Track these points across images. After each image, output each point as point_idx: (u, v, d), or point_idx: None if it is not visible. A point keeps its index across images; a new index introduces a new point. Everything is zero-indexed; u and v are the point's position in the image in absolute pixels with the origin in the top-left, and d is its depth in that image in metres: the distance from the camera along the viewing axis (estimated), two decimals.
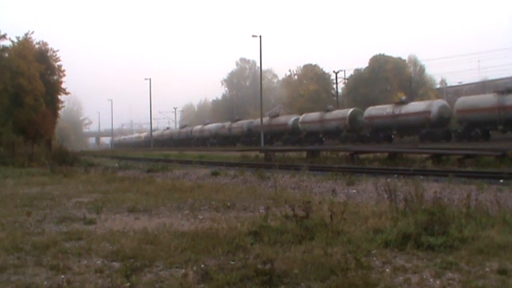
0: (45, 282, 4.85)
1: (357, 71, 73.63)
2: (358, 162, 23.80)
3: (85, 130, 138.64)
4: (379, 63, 70.06)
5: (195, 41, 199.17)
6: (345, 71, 71.65)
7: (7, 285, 4.81)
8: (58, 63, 45.51)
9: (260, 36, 51.15)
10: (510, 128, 33.43)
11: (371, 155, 25.77)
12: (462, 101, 36.84)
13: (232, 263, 5.35)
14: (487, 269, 4.86)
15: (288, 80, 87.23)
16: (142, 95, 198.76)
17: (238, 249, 5.86)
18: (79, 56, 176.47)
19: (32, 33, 42.82)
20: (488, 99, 34.56)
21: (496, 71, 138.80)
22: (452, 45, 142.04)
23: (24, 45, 41.19)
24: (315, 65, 79.60)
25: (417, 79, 71.84)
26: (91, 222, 8.22)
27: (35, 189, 14.10)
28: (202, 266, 5.24)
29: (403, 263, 5.16)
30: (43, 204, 10.78)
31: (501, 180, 13.08)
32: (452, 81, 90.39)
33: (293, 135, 52.33)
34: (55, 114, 45.78)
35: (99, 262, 5.57)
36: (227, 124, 66.17)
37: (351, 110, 47.37)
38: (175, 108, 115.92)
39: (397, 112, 40.80)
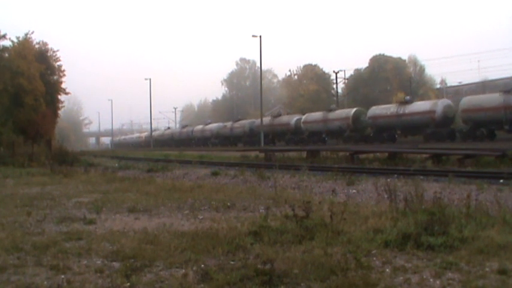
0: (45, 282, 4.85)
1: (357, 71, 73.65)
2: (358, 162, 23.80)
3: (85, 130, 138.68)
4: (379, 63, 70.06)
5: (195, 41, 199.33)
6: (345, 71, 71.74)
7: (7, 285, 4.81)
8: (58, 63, 45.59)
9: (260, 36, 51.21)
10: None
11: (371, 155, 25.77)
12: (467, 101, 36.50)
13: (232, 263, 5.35)
14: (487, 269, 4.86)
15: (288, 80, 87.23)
16: (142, 95, 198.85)
17: (238, 249, 5.86)
18: (79, 56, 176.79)
19: (32, 33, 42.89)
20: (493, 98, 34.26)
21: (496, 71, 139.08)
22: (452, 45, 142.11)
23: (24, 45, 41.19)
24: (315, 65, 79.60)
25: (417, 79, 71.84)
26: (91, 222, 8.22)
27: (35, 189, 14.10)
28: (202, 266, 5.24)
29: (403, 263, 5.16)
30: (43, 204, 10.78)
31: (501, 180, 13.07)
32: (452, 81, 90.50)
33: (295, 135, 51.99)
34: (55, 114, 45.78)
35: (99, 262, 5.57)
36: (229, 124, 65.95)
37: (354, 109, 46.97)
38: (175, 108, 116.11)
39: (401, 112, 40.52)
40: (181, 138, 78.52)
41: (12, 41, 41.06)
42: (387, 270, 4.97)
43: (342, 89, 74.40)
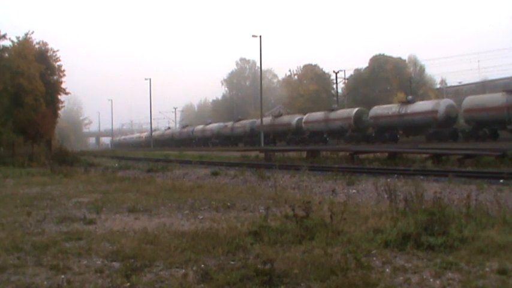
0: (45, 282, 4.85)
1: (357, 71, 73.71)
2: (358, 162, 23.79)
3: (85, 130, 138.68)
4: (379, 63, 70.11)
5: (195, 41, 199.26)
6: (345, 71, 71.82)
7: (7, 285, 4.81)
8: (58, 63, 45.58)
9: (260, 36, 51.24)
10: None
11: (371, 155, 25.77)
12: (470, 100, 36.27)
13: (232, 263, 5.35)
14: (487, 269, 4.86)
15: (288, 80, 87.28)
16: (142, 95, 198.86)
17: (238, 249, 5.86)
18: (79, 56, 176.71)
19: (32, 33, 42.88)
20: (496, 98, 34.07)
21: (496, 71, 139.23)
22: (452, 45, 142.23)
23: (24, 45, 41.18)
24: (315, 65, 79.69)
25: (417, 79, 71.89)
26: (91, 222, 8.22)
27: (35, 189, 14.10)
28: (202, 266, 5.24)
29: (403, 263, 5.16)
30: (43, 204, 10.78)
31: (501, 180, 13.07)
32: (452, 81, 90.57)
33: (297, 135, 51.81)
34: (55, 114, 45.77)
35: (99, 262, 5.57)
36: (229, 124, 65.82)
37: (356, 109, 46.77)
38: (175, 108, 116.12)
39: (403, 111, 40.32)
40: (181, 138, 78.43)
41: (12, 41, 41.13)
42: (387, 270, 4.97)
43: (342, 89, 74.48)
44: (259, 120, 54.43)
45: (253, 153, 33.51)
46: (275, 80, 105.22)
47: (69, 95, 52.99)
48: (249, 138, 58.23)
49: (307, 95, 72.85)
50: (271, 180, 14.71)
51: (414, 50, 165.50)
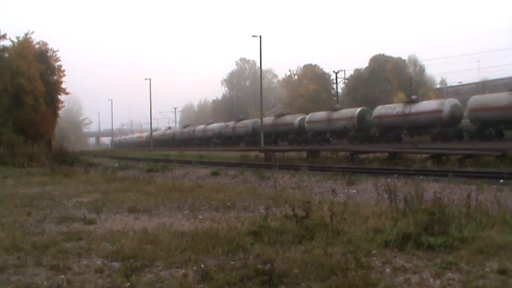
0: (45, 282, 4.85)
1: (357, 71, 73.69)
2: (358, 162, 23.79)
3: (85, 130, 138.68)
4: (379, 63, 70.10)
5: (195, 41, 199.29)
6: (345, 71, 71.80)
7: (7, 285, 4.81)
8: (58, 63, 45.58)
9: (260, 36, 51.22)
10: None
11: (371, 155, 25.77)
12: (475, 100, 36.02)
13: (232, 263, 5.35)
14: (487, 269, 4.86)
15: (288, 80, 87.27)
16: (142, 95, 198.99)
17: (238, 249, 5.86)
18: (79, 56, 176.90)
19: (32, 33, 42.87)
20: (502, 98, 33.86)
21: (496, 71, 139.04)
22: (452, 45, 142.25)
23: (24, 45, 41.18)
24: (315, 65, 79.65)
25: (417, 79, 71.87)
26: (91, 222, 8.22)
27: (35, 189, 14.10)
28: (202, 266, 5.24)
29: (403, 263, 5.16)
30: (43, 204, 10.78)
31: (501, 180, 13.07)
32: (452, 81, 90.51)
33: (299, 135, 51.47)
34: (55, 114, 45.78)
35: (99, 262, 5.57)
36: (231, 124, 65.57)
37: (359, 109, 46.34)
38: (175, 108, 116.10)
39: (407, 111, 40.03)
40: (182, 138, 78.21)
41: (12, 41, 41.13)
42: (387, 270, 4.97)
43: (342, 89, 74.46)
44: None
45: (253, 153, 33.51)
46: (275, 80, 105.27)
47: (69, 95, 53.02)
48: (251, 138, 57.87)
49: (307, 95, 72.81)
50: (271, 180, 14.71)
51: (414, 50, 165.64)
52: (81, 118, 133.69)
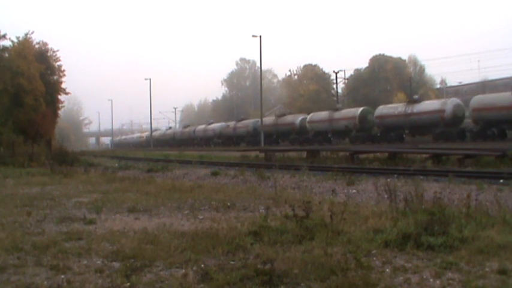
0: (45, 282, 4.85)
1: (357, 71, 73.70)
2: (358, 162, 23.79)
3: (85, 130, 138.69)
4: (379, 63, 70.11)
5: (195, 41, 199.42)
6: (345, 71, 71.79)
7: (7, 285, 4.81)
8: (58, 63, 45.62)
9: (260, 36, 51.27)
10: None
11: (371, 155, 25.77)
12: (478, 100, 35.81)
13: (232, 263, 5.35)
14: (487, 269, 4.86)
15: (288, 80, 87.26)
16: (142, 95, 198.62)
17: (238, 249, 5.86)
18: (79, 56, 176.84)
19: (32, 33, 42.91)
20: (506, 97, 33.67)
21: (496, 71, 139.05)
22: (452, 45, 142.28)
23: (24, 45, 41.19)
24: (315, 65, 79.65)
25: (417, 79, 71.87)
26: (91, 222, 8.22)
27: (35, 189, 14.10)
28: (202, 266, 5.24)
29: (403, 263, 5.16)
30: (43, 204, 10.78)
31: (501, 180, 13.07)
32: (452, 81, 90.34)
33: (300, 135, 51.24)
34: (55, 114, 45.79)
35: (99, 262, 5.57)
36: (232, 124, 65.37)
37: (361, 108, 46.06)
38: (175, 108, 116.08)
39: (409, 111, 39.82)
40: (183, 138, 78.03)
41: (12, 41, 41.15)
42: (387, 270, 4.97)
43: (342, 89, 74.45)
44: (262, 120, 54.12)
45: (253, 153, 33.51)
46: (275, 80, 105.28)
47: (69, 95, 53.01)
48: (252, 138, 57.57)
49: (307, 95, 72.80)
50: (271, 180, 14.71)
51: (414, 50, 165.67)
52: (81, 118, 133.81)
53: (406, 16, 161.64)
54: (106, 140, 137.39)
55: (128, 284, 4.70)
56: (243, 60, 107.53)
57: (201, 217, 8.56)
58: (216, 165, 24.71)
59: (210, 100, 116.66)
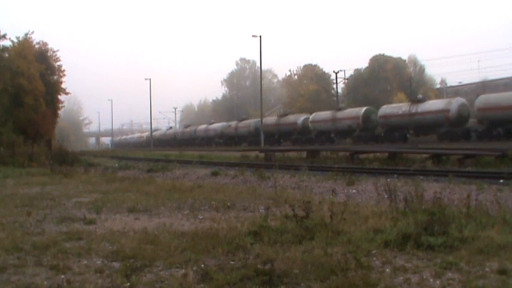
0: (45, 282, 4.85)
1: (357, 71, 73.64)
2: (358, 162, 23.80)
3: (85, 130, 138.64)
4: (379, 63, 70.07)
5: (195, 41, 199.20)
6: (345, 71, 71.73)
7: (7, 285, 4.81)
8: (58, 63, 45.55)
9: (260, 36, 51.16)
10: None
11: (371, 155, 25.77)
12: (484, 99, 35.45)
13: (232, 263, 5.35)
14: (487, 269, 4.86)
15: (288, 80, 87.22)
16: (142, 95, 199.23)
17: (238, 249, 5.86)
18: (79, 56, 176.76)
19: (32, 33, 42.82)
20: (511, 97, 33.46)
21: (496, 71, 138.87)
22: (452, 45, 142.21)
23: (24, 45, 41.16)
24: (315, 65, 79.58)
25: (417, 79, 71.84)
26: (91, 222, 8.22)
27: (35, 189, 14.10)
28: (202, 266, 5.24)
29: (403, 263, 5.16)
30: (43, 204, 10.79)
31: (501, 180, 13.07)
32: (452, 81, 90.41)
33: (303, 135, 50.90)
34: (55, 114, 45.76)
35: (99, 262, 5.57)
36: (233, 123, 65.11)
37: (364, 108, 45.71)
38: (175, 108, 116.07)
39: (413, 111, 39.49)
40: (183, 138, 77.75)
41: (12, 41, 41.07)
42: (387, 270, 4.97)
43: (342, 89, 74.43)
44: (264, 120, 53.94)
45: (253, 153, 33.51)
46: (275, 80, 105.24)
47: (69, 95, 52.96)
48: (254, 138, 57.00)
49: (307, 95, 72.75)
50: (271, 180, 14.71)
51: (414, 50, 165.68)
52: (81, 118, 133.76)
53: (406, 16, 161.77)
54: (106, 140, 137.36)
55: (128, 284, 4.70)
56: (243, 60, 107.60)
57: (201, 217, 8.56)
58: (216, 165, 24.71)
59: (210, 100, 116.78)
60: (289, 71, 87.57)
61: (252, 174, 17.51)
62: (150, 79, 78.03)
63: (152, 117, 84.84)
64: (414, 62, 75.01)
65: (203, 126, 73.32)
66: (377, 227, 6.56)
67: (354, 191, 12.36)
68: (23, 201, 11.19)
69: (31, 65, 40.05)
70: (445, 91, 71.05)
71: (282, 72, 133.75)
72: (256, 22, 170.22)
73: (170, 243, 6.21)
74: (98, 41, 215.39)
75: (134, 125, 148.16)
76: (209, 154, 39.96)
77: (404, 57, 73.98)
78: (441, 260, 5.15)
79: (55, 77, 45.43)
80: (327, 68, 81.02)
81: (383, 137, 41.73)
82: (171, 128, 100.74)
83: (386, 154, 24.77)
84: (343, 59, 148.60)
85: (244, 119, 64.68)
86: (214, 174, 19.08)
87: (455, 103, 37.80)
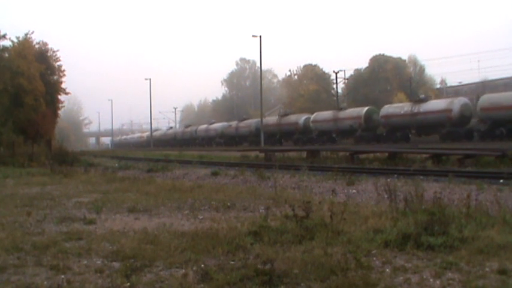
0: (45, 282, 4.85)
1: (357, 71, 73.62)
2: (358, 162, 23.79)
3: (85, 130, 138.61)
4: (379, 63, 70.05)
5: (195, 41, 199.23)
6: (345, 71, 71.64)
7: (7, 285, 4.81)
8: (58, 63, 45.51)
9: (260, 36, 51.16)
10: None
11: (371, 155, 25.77)
12: (487, 99, 35.28)
13: (232, 263, 5.35)
14: (487, 269, 4.86)
15: (288, 80, 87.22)
16: (142, 95, 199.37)
17: (238, 249, 5.86)
18: (79, 56, 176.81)
19: (32, 33, 42.77)
20: None
21: (496, 71, 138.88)
22: (452, 45, 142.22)
23: (24, 45, 41.14)
24: (315, 65, 79.59)
25: (417, 79, 71.79)
26: (91, 222, 8.22)
27: (35, 189, 14.10)
28: (202, 266, 5.24)
29: (403, 263, 5.16)
30: (43, 204, 10.79)
31: (501, 180, 13.07)
32: (452, 81, 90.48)
33: (304, 135, 50.75)
34: (55, 114, 45.73)
35: (99, 262, 5.57)
36: (234, 123, 65.01)
37: (366, 108, 45.54)
38: (175, 108, 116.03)
39: (415, 110, 39.35)
40: (184, 138, 77.63)
41: (12, 41, 41.04)
42: (387, 270, 4.97)
43: (342, 89, 74.40)
44: (265, 120, 53.76)
45: (253, 153, 33.50)
46: (275, 80, 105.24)
47: (69, 95, 52.90)
48: (254, 138, 56.67)
49: (307, 95, 72.74)
50: (271, 180, 14.71)
51: (414, 50, 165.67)
52: (81, 118, 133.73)
53: (406, 16, 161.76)
54: (106, 140, 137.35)
55: (128, 284, 4.70)
56: (243, 60, 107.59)
57: (201, 217, 8.56)
58: (216, 165, 24.71)
59: (210, 100, 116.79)
60: (289, 71, 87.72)
61: (252, 174, 17.51)
62: (150, 79, 78.12)
63: (152, 117, 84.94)
64: (414, 62, 74.98)
65: (204, 126, 73.22)
66: (377, 227, 6.56)
67: (354, 191, 12.36)
68: (23, 201, 11.19)
69: (31, 65, 40.03)
70: (445, 91, 71.06)
71: (282, 72, 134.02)
72: (256, 22, 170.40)
73: (170, 243, 6.21)
74: (98, 41, 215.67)
75: (134, 125, 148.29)
76: (209, 154, 39.95)
77: (404, 57, 74.03)
78: (441, 260, 5.15)
79: (55, 77, 45.41)
80: (327, 68, 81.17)
81: (385, 137, 41.58)
82: (171, 128, 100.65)
83: (386, 154, 24.76)
84: (343, 59, 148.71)
85: (245, 119, 64.56)
86: (214, 174, 19.08)
87: (457, 103, 37.64)
